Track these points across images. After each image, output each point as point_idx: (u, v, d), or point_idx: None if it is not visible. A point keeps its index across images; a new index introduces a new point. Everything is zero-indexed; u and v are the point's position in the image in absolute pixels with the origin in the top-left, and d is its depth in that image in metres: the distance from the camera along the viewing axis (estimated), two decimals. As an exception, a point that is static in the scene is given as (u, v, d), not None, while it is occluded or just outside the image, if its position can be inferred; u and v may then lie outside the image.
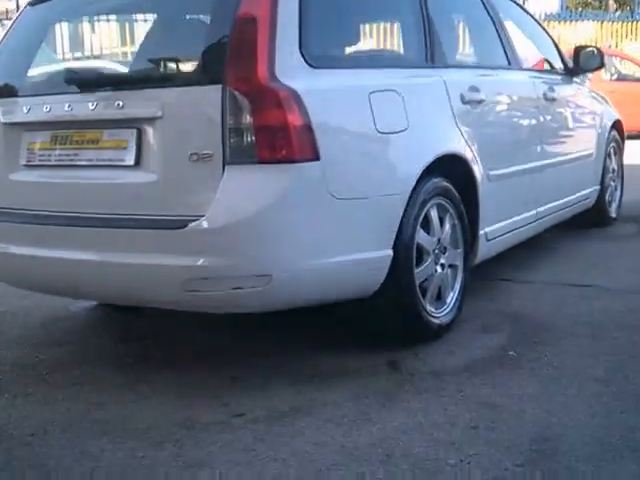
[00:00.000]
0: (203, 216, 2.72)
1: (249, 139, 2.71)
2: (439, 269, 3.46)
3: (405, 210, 3.13)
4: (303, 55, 2.87)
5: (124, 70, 3.03)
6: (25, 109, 3.08)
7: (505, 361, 3.18)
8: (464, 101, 3.60)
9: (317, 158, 2.78)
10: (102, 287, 3.03)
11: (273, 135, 2.72)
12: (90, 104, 2.95)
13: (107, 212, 2.91)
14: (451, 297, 3.56)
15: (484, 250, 3.84)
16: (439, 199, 3.40)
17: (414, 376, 3.09)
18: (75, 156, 3.02)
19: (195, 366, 3.29)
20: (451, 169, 3.47)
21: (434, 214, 3.39)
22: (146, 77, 2.98)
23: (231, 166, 2.73)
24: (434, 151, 3.32)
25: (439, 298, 3.51)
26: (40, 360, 3.48)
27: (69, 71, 3.03)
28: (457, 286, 3.59)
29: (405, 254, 3.18)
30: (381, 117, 3.05)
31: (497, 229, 3.93)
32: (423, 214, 3.28)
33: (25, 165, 3.13)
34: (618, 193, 5.99)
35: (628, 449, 2.42)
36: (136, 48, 3.17)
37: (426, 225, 3.36)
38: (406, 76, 3.37)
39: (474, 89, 3.72)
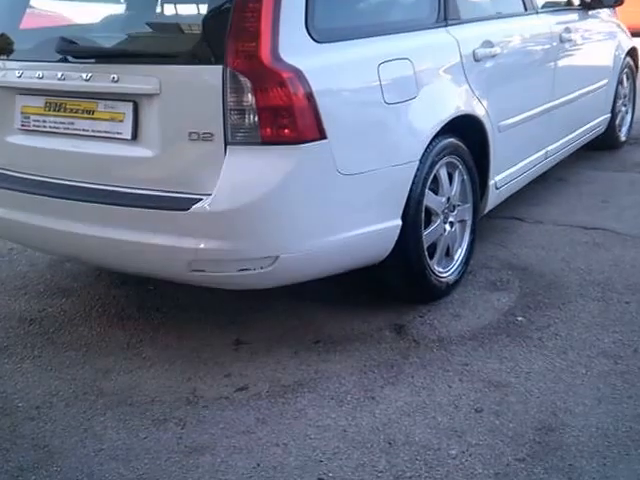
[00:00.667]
0: (206, 197, 2.58)
1: (252, 120, 2.54)
2: (447, 228, 3.34)
3: (414, 177, 2.97)
4: (308, 30, 2.65)
5: (121, 41, 2.78)
6: (17, 72, 2.90)
7: (513, 329, 3.10)
8: (477, 58, 3.39)
9: (323, 137, 2.62)
10: (104, 260, 2.94)
11: (277, 116, 2.54)
12: (83, 74, 2.76)
13: (106, 184, 2.77)
14: (459, 253, 3.46)
15: (493, 198, 3.70)
16: (448, 158, 3.25)
17: (419, 344, 3.02)
18: (70, 125, 2.86)
19: (199, 326, 3.22)
20: (462, 127, 3.28)
21: (443, 173, 3.24)
22: (143, 51, 2.76)
23: (233, 147, 2.57)
24: (443, 115, 3.14)
25: (447, 255, 3.39)
26: (47, 314, 3.42)
27: (62, 38, 2.81)
28: (465, 241, 3.48)
29: (413, 221, 3.05)
30: (389, 88, 2.86)
31: (506, 176, 3.78)
32: (432, 176, 3.13)
33: (20, 129, 2.96)
34: (629, 117, 5.88)
35: (634, 445, 2.35)
36: (134, 18, 2.89)
37: (435, 186, 3.20)
38: (417, 41, 3.13)
39: (487, 44, 3.48)
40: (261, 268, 2.67)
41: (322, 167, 2.65)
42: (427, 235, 3.18)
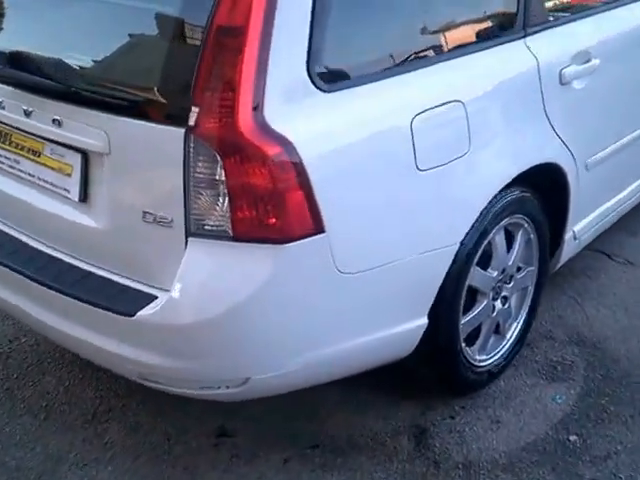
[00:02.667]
0: (162, 294, 1.86)
1: (221, 208, 1.80)
2: (499, 305, 2.52)
3: (451, 264, 2.15)
4: (311, 74, 1.82)
5: (67, 70, 1.97)
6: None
7: (561, 456, 2.34)
8: (564, 81, 2.44)
9: (320, 231, 1.84)
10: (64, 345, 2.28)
11: (255, 206, 1.78)
12: (23, 106, 2.02)
13: (54, 247, 2.12)
14: (513, 331, 2.65)
15: (570, 251, 2.85)
16: (509, 219, 2.38)
17: (439, 468, 2.30)
18: (16, 163, 2.17)
19: (181, 401, 2.55)
20: (533, 176, 2.40)
21: (499, 240, 2.39)
22: (91, 91, 1.96)
23: (196, 240, 1.84)
24: (506, 173, 2.27)
25: (497, 332, 2.59)
26: (16, 349, 2.84)
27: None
28: (524, 314, 2.67)
29: (446, 314, 2.25)
30: (427, 148, 2.02)
31: (590, 222, 2.90)
32: (481, 250, 2.29)
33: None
34: None
35: None
36: (87, 40, 2.03)
37: (485, 257, 2.37)
38: (476, 69, 2.21)
39: (581, 57, 2.51)
40: (227, 388, 1.96)
41: (315, 269, 1.90)
42: (467, 323, 2.39)
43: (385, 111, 1.95)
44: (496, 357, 2.59)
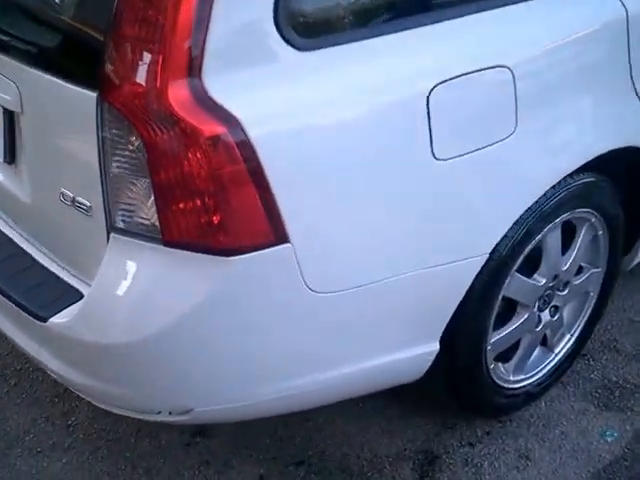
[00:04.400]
0: (82, 299, 1.39)
1: (147, 202, 1.27)
2: (546, 317, 1.94)
3: (477, 276, 1.57)
4: (279, 24, 1.26)
5: None
6: None
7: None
8: None
9: (282, 240, 1.31)
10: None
11: (189, 204, 1.26)
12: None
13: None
14: (564, 344, 2.06)
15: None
16: (570, 214, 1.76)
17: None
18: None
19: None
20: (612, 160, 1.75)
21: (552, 242, 1.79)
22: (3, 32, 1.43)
23: (119, 238, 1.34)
24: (566, 163, 1.65)
25: (544, 344, 2.01)
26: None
27: None
28: (580, 325, 2.08)
29: (467, 339, 1.69)
30: (450, 129, 1.43)
31: None
32: (521, 258, 1.70)
33: None
34: None
35: None
36: None
37: (532, 260, 1.77)
38: (530, 25, 1.53)
39: None
40: (170, 414, 1.50)
41: (276, 287, 1.39)
42: (499, 340, 1.83)
43: (389, 78, 1.36)
44: (538, 376, 2.03)
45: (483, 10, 1.45)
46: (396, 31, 1.35)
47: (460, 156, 1.44)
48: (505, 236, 1.62)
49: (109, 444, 2.00)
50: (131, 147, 1.25)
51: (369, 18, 1.35)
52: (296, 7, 1.27)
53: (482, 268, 1.58)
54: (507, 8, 1.48)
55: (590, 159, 1.67)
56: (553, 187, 1.67)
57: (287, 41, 1.26)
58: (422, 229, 1.46)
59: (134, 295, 1.35)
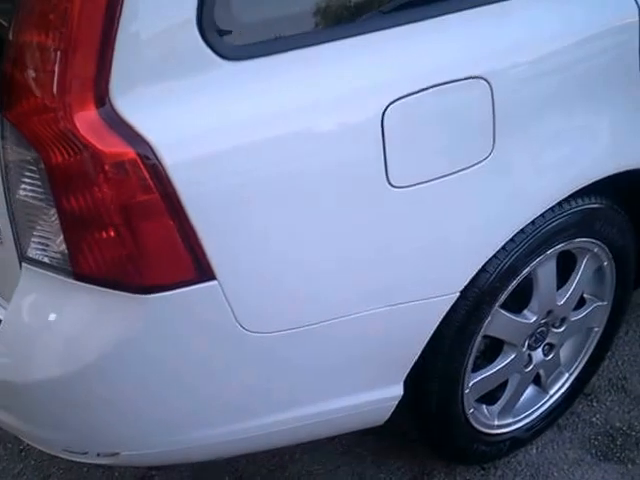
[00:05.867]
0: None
1: (55, 231, 1.12)
2: (539, 356, 1.75)
3: (449, 315, 1.40)
4: (204, 30, 1.08)
5: None
6: None
7: None
8: None
9: (206, 277, 1.15)
10: None
11: (98, 235, 1.10)
12: None
13: None
14: (560, 385, 1.87)
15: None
16: (566, 244, 1.57)
17: None
18: None
19: None
20: (621, 185, 1.57)
21: (545, 275, 1.60)
22: None
23: (30, 269, 1.19)
24: (558, 188, 1.46)
25: (537, 383, 1.83)
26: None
27: None
28: (580, 365, 1.88)
29: (439, 382, 1.52)
30: (409, 153, 1.23)
31: None
32: (505, 294, 1.52)
33: None
34: None
35: None
36: None
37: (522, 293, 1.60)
38: (513, 29, 1.32)
39: None
40: (97, 455, 1.37)
41: (203, 327, 1.22)
42: (481, 382, 1.65)
43: (335, 93, 1.18)
44: (529, 419, 1.84)
45: (454, 11, 1.26)
46: (345, 37, 1.17)
47: (422, 183, 1.25)
48: (483, 271, 1.44)
49: (61, 473, 1.88)
50: (36, 171, 1.11)
51: (313, 22, 1.17)
52: (224, 10, 1.10)
53: (456, 306, 1.41)
54: (485, 8, 1.29)
55: (588, 184, 1.48)
56: (542, 215, 1.48)
57: (214, 49, 1.09)
58: (377, 265, 1.28)
59: (44, 332, 1.20)
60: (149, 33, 1.06)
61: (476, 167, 1.30)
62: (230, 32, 1.11)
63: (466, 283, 1.38)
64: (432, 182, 1.26)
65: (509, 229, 1.40)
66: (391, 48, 1.20)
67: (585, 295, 1.80)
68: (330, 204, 1.21)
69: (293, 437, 1.47)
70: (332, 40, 1.17)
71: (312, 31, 1.18)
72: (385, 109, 1.18)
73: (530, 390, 1.85)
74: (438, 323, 1.40)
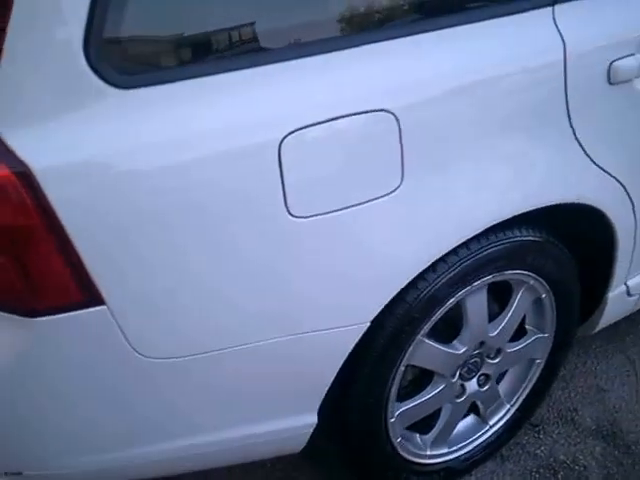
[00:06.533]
0: None
1: None
2: (473, 387, 1.73)
3: (363, 343, 1.40)
4: (90, 57, 1.08)
5: None
6: None
7: None
8: (617, 79, 1.48)
9: (94, 302, 1.16)
10: None
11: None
12: None
13: None
14: (501, 416, 1.85)
15: (618, 311, 1.92)
16: (497, 275, 1.55)
17: None
18: None
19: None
20: (558, 218, 1.56)
21: (474, 306, 1.58)
22: None
23: None
24: (472, 222, 1.43)
25: (477, 412, 1.81)
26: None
27: None
28: (522, 396, 1.85)
29: (358, 411, 1.51)
30: (311, 183, 1.23)
31: None
32: (428, 324, 1.50)
33: None
34: None
35: None
36: None
37: (450, 324, 1.59)
38: (425, 61, 1.31)
39: None
40: (5, 474, 1.38)
41: (94, 351, 1.22)
42: (410, 410, 1.64)
43: (232, 123, 1.17)
44: (467, 449, 1.82)
45: (361, 44, 1.25)
46: (245, 67, 1.17)
47: (324, 214, 1.25)
48: (401, 300, 1.43)
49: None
50: None
51: (211, 50, 1.17)
52: (115, 35, 1.11)
53: (373, 336, 1.40)
54: (396, 41, 1.28)
55: (511, 216, 1.46)
56: (466, 246, 1.47)
57: (103, 77, 1.10)
58: (278, 293, 1.28)
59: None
60: (36, 59, 1.07)
61: (384, 198, 1.29)
62: (121, 60, 1.11)
63: (376, 313, 1.36)
64: (336, 213, 1.25)
65: (423, 260, 1.38)
66: (291, 80, 1.19)
67: (527, 326, 1.77)
68: (226, 230, 1.20)
69: (203, 462, 1.47)
70: (231, 70, 1.17)
71: (210, 61, 1.17)
72: (282, 140, 1.17)
73: (469, 420, 1.83)
74: (349, 352, 1.38)
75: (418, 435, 1.73)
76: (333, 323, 1.34)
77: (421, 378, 1.66)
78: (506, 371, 1.83)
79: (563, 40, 1.40)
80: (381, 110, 1.24)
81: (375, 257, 1.32)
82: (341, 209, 1.26)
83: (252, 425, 1.41)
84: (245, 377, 1.35)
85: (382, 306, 1.36)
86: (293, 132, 1.18)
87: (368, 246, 1.31)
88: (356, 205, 1.26)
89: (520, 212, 1.45)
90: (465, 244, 1.46)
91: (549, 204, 1.49)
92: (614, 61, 1.46)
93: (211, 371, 1.30)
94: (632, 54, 1.49)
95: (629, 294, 1.87)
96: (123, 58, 1.12)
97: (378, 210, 1.29)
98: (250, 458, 1.54)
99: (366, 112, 1.23)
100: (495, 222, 1.43)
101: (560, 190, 1.51)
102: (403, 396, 1.64)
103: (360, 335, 1.37)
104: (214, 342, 1.27)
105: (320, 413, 1.46)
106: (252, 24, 1.19)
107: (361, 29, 1.28)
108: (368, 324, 1.37)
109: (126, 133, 1.11)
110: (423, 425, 1.74)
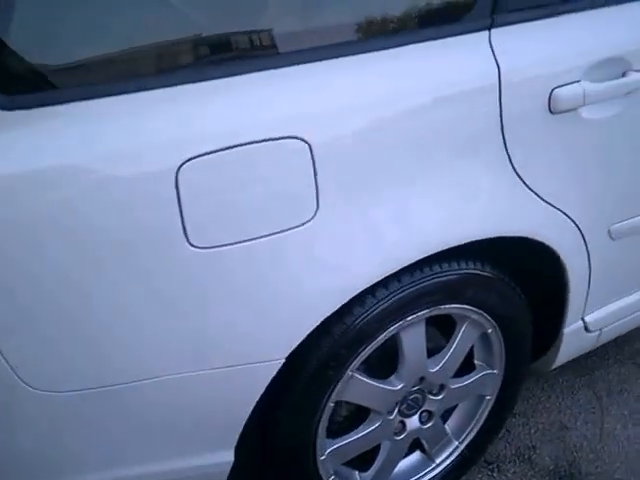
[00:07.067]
0: None
1: None
2: (414, 423, 1.65)
3: (289, 380, 1.34)
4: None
5: None
6: None
7: None
8: (558, 108, 1.39)
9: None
10: None
11: None
12: None
13: None
14: (449, 454, 1.76)
15: (578, 347, 1.83)
16: (433, 309, 1.47)
17: None
18: None
19: None
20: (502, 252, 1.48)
21: (410, 341, 1.50)
22: None
23: None
24: (407, 253, 1.36)
25: (423, 449, 1.73)
26: None
27: None
28: (471, 434, 1.77)
29: (283, 448, 1.45)
30: (214, 213, 1.17)
31: (614, 312, 1.81)
32: (357, 360, 1.44)
33: None
34: None
35: None
36: None
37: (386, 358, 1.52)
38: (340, 84, 1.23)
39: (611, 68, 1.44)
40: None
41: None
42: (346, 447, 1.56)
43: (124, 147, 1.11)
44: (411, 485, 1.73)
45: (274, 67, 1.19)
46: (139, 90, 1.12)
47: (230, 245, 1.18)
48: (326, 334, 1.36)
49: None
50: None
51: (103, 70, 1.11)
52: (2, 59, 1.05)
53: (297, 371, 1.34)
54: (311, 65, 1.21)
55: (441, 249, 1.38)
56: (398, 279, 1.39)
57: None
58: (182, 328, 1.21)
59: None
60: None
61: (297, 229, 1.22)
62: (3, 80, 1.06)
63: (290, 350, 1.29)
64: (241, 244, 1.19)
65: (343, 295, 1.30)
66: (192, 103, 1.13)
67: (475, 361, 1.69)
68: (128, 259, 1.14)
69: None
70: (125, 93, 1.11)
71: (106, 82, 1.11)
72: (179, 167, 1.11)
73: (414, 457, 1.75)
74: (261, 391, 1.31)
75: (357, 473, 1.65)
76: (244, 359, 1.27)
77: (357, 414, 1.58)
78: (455, 407, 1.75)
79: (498, 65, 1.32)
80: (292, 137, 1.17)
81: (287, 292, 1.25)
82: (247, 240, 1.19)
83: (167, 461, 1.35)
84: (152, 411, 1.28)
85: (297, 342, 1.29)
86: (192, 159, 1.11)
87: (279, 280, 1.24)
88: (265, 236, 1.20)
89: (452, 245, 1.37)
90: (396, 277, 1.38)
91: (485, 237, 1.41)
92: (555, 88, 1.37)
93: (114, 405, 1.24)
94: (577, 81, 1.40)
95: (587, 330, 1.78)
96: (6, 77, 1.06)
97: (290, 242, 1.22)
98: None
99: (274, 139, 1.16)
100: (424, 255, 1.35)
101: (497, 223, 1.43)
102: (337, 432, 1.56)
103: (274, 372, 1.30)
104: (113, 376, 1.21)
105: (243, 451, 1.39)
106: (151, 42, 1.13)
107: (274, 51, 1.20)
108: (282, 361, 1.30)
109: (6, 158, 1.05)
110: (363, 461, 1.66)
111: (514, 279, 1.58)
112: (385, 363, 1.55)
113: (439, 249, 1.36)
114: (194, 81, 1.13)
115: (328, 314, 1.29)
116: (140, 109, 1.11)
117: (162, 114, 1.12)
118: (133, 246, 1.14)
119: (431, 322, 1.57)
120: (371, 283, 1.31)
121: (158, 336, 1.21)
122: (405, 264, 1.34)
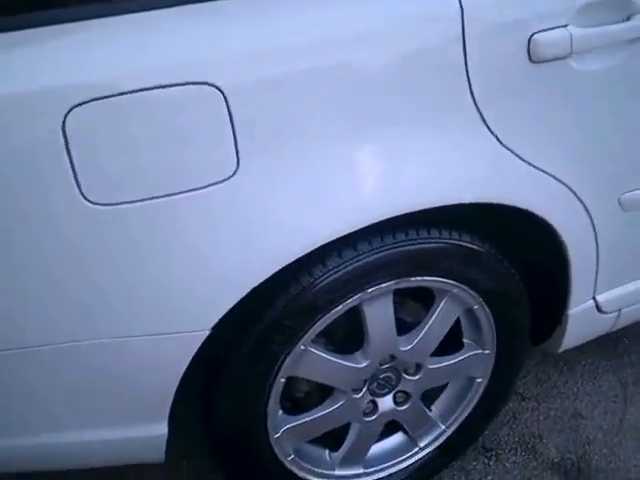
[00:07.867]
0: None
1: None
2: (387, 404, 1.50)
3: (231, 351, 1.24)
4: None
5: None
6: None
7: None
8: (540, 56, 1.18)
9: None
10: None
11: None
12: None
13: None
14: (436, 437, 1.61)
15: (590, 329, 1.62)
16: (402, 281, 1.31)
17: None
18: None
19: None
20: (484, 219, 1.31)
21: (376, 313, 1.35)
22: None
23: None
24: (348, 220, 1.19)
25: (405, 432, 1.58)
26: None
27: None
28: (459, 418, 1.60)
29: (232, 426, 1.35)
30: (106, 165, 1.03)
31: (636, 290, 1.58)
32: (307, 334, 1.30)
33: None
34: None
35: None
36: None
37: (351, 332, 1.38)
38: (279, 21, 1.07)
39: (616, 9, 1.22)
40: None
41: None
42: (305, 426, 1.44)
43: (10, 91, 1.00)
44: (390, 472, 1.59)
45: (186, 3, 1.04)
46: (29, 26, 1.00)
47: (136, 202, 1.06)
48: (270, 305, 1.23)
49: None
50: None
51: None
52: None
53: (237, 344, 1.23)
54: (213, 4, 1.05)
55: (395, 215, 1.20)
56: (354, 246, 1.24)
57: None
58: (97, 291, 1.11)
59: None
60: None
61: (211, 188, 1.08)
62: None
63: (216, 321, 1.17)
64: (149, 201, 1.06)
65: (275, 261, 1.16)
66: (86, 42, 1.01)
67: (464, 340, 1.52)
68: (22, 215, 1.04)
69: (54, 462, 1.33)
70: (12, 29, 1.00)
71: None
72: (66, 114, 0.99)
73: (398, 438, 1.60)
74: (187, 362, 1.20)
75: (327, 452, 1.53)
76: (165, 328, 1.16)
77: (324, 391, 1.45)
78: (443, 389, 1.58)
79: (461, 6, 1.13)
80: (204, 83, 1.03)
81: (206, 258, 1.12)
82: (158, 197, 1.06)
83: (101, 429, 1.26)
84: (78, 377, 1.19)
85: (221, 314, 1.16)
86: (82, 104, 0.99)
87: (197, 243, 1.11)
88: (180, 193, 1.07)
89: (404, 212, 1.20)
90: (352, 244, 1.23)
91: (454, 203, 1.23)
92: (535, 34, 1.16)
93: (37, 368, 1.16)
94: (564, 25, 1.18)
95: (600, 310, 1.56)
96: None
97: (209, 199, 1.09)
98: (112, 462, 1.39)
99: (184, 84, 1.02)
100: (373, 221, 1.19)
101: (470, 189, 1.24)
102: (296, 410, 1.43)
103: (199, 343, 1.18)
104: (34, 337, 1.13)
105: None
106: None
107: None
108: (207, 332, 1.18)
109: None
110: (338, 440, 1.53)
111: (511, 255, 1.40)
112: (353, 339, 1.40)
113: (391, 215, 1.19)
114: (89, 17, 1.01)
115: (255, 284, 1.15)
116: (26, 49, 0.99)
117: (51, 54, 1.00)
118: (29, 198, 1.03)
119: (414, 296, 1.41)
120: (307, 250, 1.16)
121: (68, 297, 1.11)
122: (354, 229, 1.18)
